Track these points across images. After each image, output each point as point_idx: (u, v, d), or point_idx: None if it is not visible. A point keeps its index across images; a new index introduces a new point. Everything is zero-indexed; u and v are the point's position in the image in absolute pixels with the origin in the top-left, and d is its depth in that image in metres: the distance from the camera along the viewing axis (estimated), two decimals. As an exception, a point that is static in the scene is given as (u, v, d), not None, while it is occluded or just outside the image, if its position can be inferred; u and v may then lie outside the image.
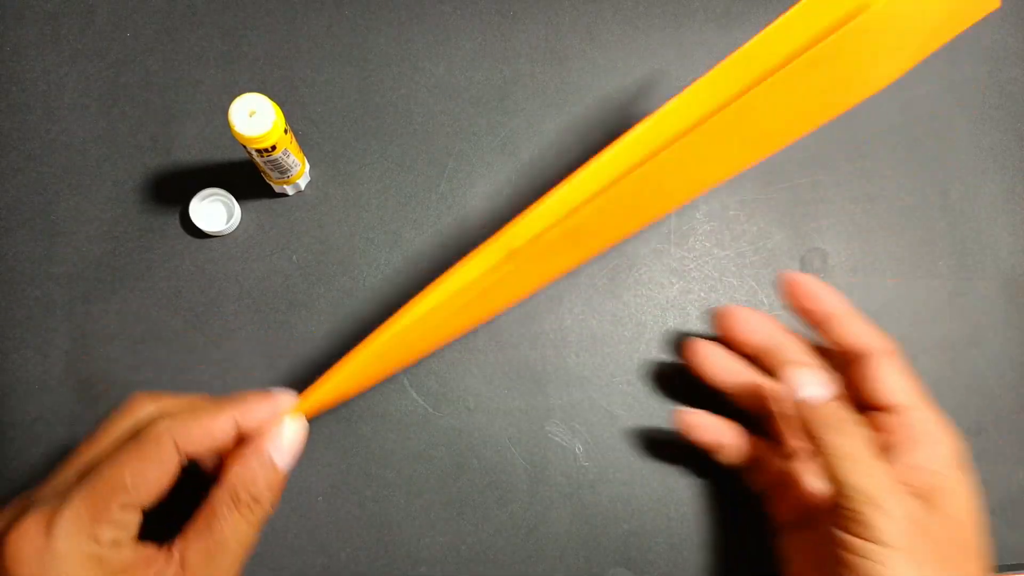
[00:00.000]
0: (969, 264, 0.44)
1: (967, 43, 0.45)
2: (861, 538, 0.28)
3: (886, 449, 0.32)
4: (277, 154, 0.37)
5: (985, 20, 0.46)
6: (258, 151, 0.36)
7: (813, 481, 0.35)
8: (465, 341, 0.42)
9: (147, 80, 0.43)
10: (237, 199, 0.42)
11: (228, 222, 0.42)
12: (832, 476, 0.30)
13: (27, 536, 0.27)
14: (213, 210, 0.42)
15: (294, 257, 0.42)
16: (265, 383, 0.41)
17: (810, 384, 0.32)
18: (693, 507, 0.40)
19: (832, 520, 0.30)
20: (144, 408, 0.31)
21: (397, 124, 0.44)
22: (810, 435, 0.31)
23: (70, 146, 0.43)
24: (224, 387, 0.41)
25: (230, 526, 0.29)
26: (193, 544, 0.29)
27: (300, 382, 0.41)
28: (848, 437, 0.30)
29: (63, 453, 0.40)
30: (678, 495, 0.41)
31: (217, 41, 0.44)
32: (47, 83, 0.43)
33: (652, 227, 0.44)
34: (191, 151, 0.43)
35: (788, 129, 0.33)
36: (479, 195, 0.43)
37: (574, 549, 0.41)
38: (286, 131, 0.37)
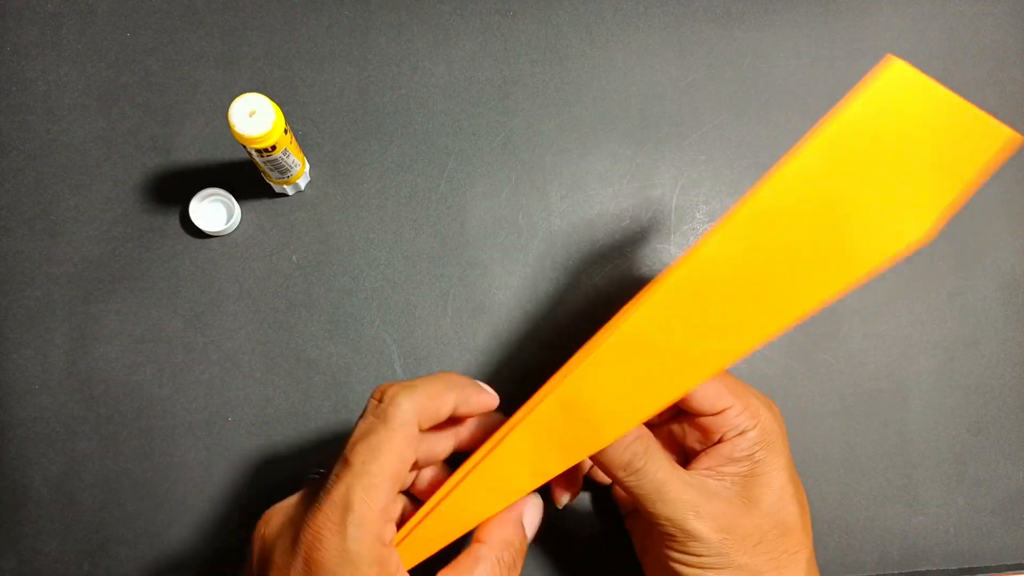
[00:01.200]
0: (969, 264, 0.44)
1: (967, 43, 0.45)
2: (683, 553, 0.32)
3: (707, 446, 0.35)
4: (277, 154, 0.37)
5: (985, 20, 0.46)
6: (258, 151, 0.36)
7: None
8: (465, 340, 0.42)
9: (147, 80, 0.43)
10: (237, 199, 0.42)
11: (228, 222, 0.42)
12: (641, 506, 0.32)
13: (324, 535, 0.28)
14: (213, 210, 0.42)
15: (294, 257, 0.42)
16: (265, 383, 0.41)
17: None
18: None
19: (657, 539, 0.33)
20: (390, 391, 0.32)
21: (397, 124, 0.44)
22: (609, 475, 0.32)
23: (70, 146, 0.43)
24: (224, 387, 0.41)
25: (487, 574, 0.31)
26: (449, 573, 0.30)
27: (300, 382, 0.41)
28: (642, 473, 0.31)
29: (63, 453, 0.40)
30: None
31: (217, 41, 0.44)
32: (47, 83, 0.43)
33: (652, 227, 0.44)
34: (191, 151, 0.43)
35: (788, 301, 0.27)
36: (479, 195, 0.43)
37: (573, 549, 0.41)
38: (286, 131, 0.37)
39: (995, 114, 0.46)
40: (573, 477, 0.38)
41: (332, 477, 0.29)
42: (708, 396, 0.34)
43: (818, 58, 0.45)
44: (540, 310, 0.42)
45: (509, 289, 0.42)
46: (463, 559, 0.31)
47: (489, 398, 0.34)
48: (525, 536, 0.33)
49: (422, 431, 0.31)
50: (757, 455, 0.33)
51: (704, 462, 0.34)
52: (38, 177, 0.42)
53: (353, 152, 0.43)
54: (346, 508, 0.28)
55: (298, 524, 0.29)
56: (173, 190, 0.42)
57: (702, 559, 0.31)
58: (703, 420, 0.35)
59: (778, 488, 0.33)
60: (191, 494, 0.40)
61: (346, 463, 0.29)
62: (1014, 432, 0.42)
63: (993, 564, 0.41)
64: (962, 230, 0.44)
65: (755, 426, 0.34)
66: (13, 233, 0.42)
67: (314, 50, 0.44)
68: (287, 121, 0.37)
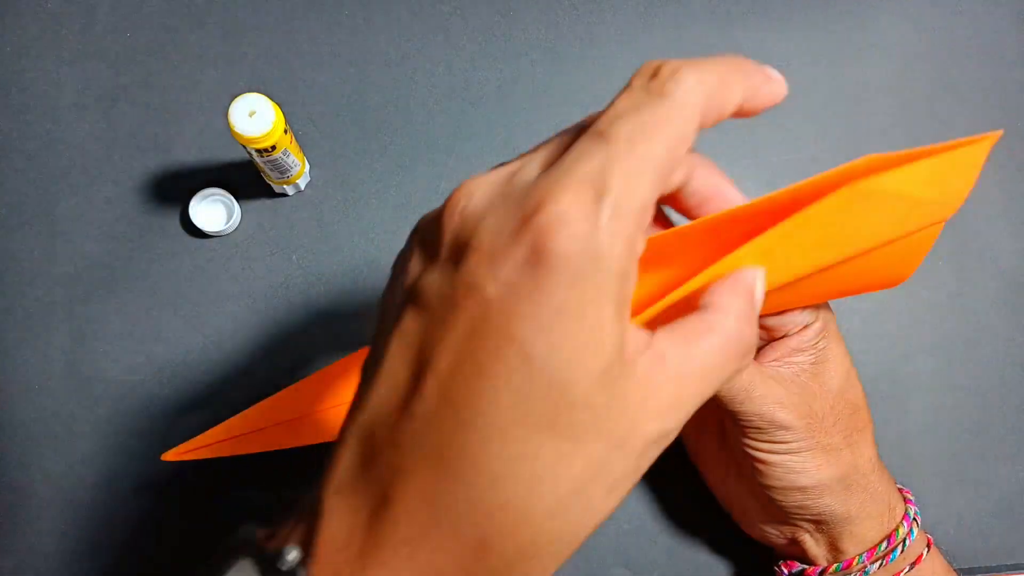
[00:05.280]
0: (969, 264, 0.44)
1: (967, 43, 0.45)
2: (771, 442, 0.33)
3: (769, 341, 0.35)
4: (277, 154, 0.37)
5: (985, 20, 0.46)
6: (258, 151, 0.36)
7: None
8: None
9: (147, 80, 0.43)
10: (237, 199, 0.42)
11: (228, 222, 0.42)
12: (727, 407, 0.33)
13: (568, 218, 0.20)
14: (213, 210, 0.42)
15: (294, 257, 0.42)
16: (265, 383, 0.41)
17: None
18: (691, 506, 0.40)
19: (740, 433, 0.34)
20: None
21: (397, 124, 0.44)
22: None
23: (70, 146, 0.43)
24: (224, 387, 0.41)
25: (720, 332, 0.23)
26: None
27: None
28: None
29: (63, 453, 0.40)
30: (679, 494, 0.41)
31: (217, 41, 0.44)
32: (47, 83, 0.43)
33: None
34: (191, 151, 0.43)
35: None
36: (479, 195, 0.43)
37: (574, 549, 0.41)
38: (286, 131, 0.37)
39: (994, 114, 0.46)
40: None
41: (573, 151, 0.21)
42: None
43: (818, 58, 0.45)
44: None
45: (509, 289, 0.42)
46: (690, 324, 0.23)
47: (778, 87, 0.26)
48: (756, 315, 0.25)
49: (704, 127, 0.23)
50: (820, 344, 0.35)
51: (770, 355, 0.35)
52: (38, 177, 0.42)
53: (353, 152, 0.43)
54: (600, 191, 0.20)
55: (523, 201, 0.21)
56: (173, 190, 0.42)
57: (789, 445, 0.33)
58: (767, 320, 0.35)
59: (844, 372, 0.35)
60: (192, 494, 0.40)
61: (601, 136, 0.21)
62: (1014, 432, 0.42)
63: (993, 564, 0.41)
64: (962, 230, 0.44)
65: (817, 318, 0.35)
66: (13, 233, 0.42)
67: (314, 50, 0.44)
68: (287, 121, 0.37)
